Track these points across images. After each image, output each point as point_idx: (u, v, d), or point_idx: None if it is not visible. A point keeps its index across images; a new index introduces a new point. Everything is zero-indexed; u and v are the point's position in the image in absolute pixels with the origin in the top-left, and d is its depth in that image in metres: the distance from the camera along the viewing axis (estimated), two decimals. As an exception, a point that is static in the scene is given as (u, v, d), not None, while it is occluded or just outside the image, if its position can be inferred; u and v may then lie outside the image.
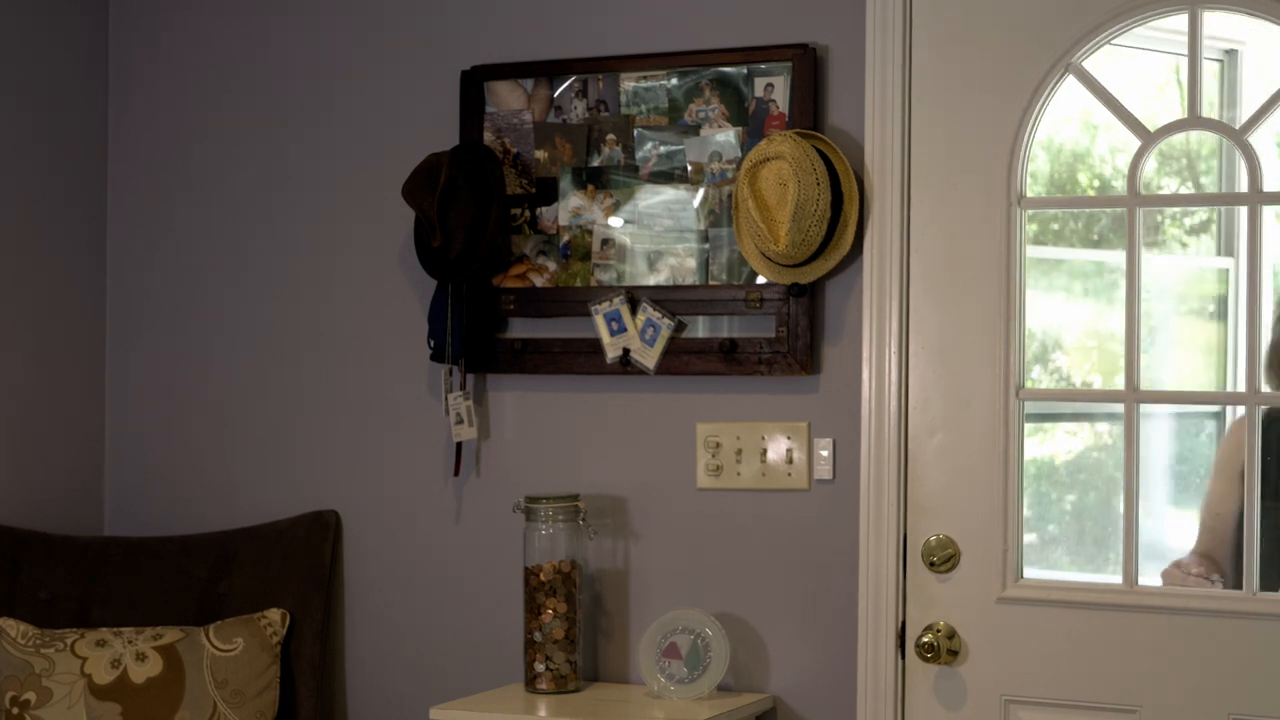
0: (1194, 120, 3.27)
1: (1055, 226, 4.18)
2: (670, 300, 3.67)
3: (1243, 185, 3.26)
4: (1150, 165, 4.32)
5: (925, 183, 3.42)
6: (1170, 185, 4.62)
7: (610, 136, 3.73)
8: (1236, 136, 3.23)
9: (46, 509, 4.06)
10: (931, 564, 3.40)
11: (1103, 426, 4.16)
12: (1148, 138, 3.30)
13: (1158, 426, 4.22)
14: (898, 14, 3.45)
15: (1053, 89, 3.33)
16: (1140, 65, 3.95)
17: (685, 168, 3.67)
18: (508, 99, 3.82)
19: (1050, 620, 3.32)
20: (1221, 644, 3.21)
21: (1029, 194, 3.40)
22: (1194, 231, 4.53)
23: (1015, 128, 3.34)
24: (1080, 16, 3.29)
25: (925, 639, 3.38)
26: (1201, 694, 3.22)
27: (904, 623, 3.45)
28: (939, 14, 3.41)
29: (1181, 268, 4.37)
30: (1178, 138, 4.10)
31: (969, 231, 3.38)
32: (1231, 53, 4.00)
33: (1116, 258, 4.25)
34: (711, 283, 3.66)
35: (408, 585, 3.94)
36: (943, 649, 3.37)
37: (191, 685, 3.69)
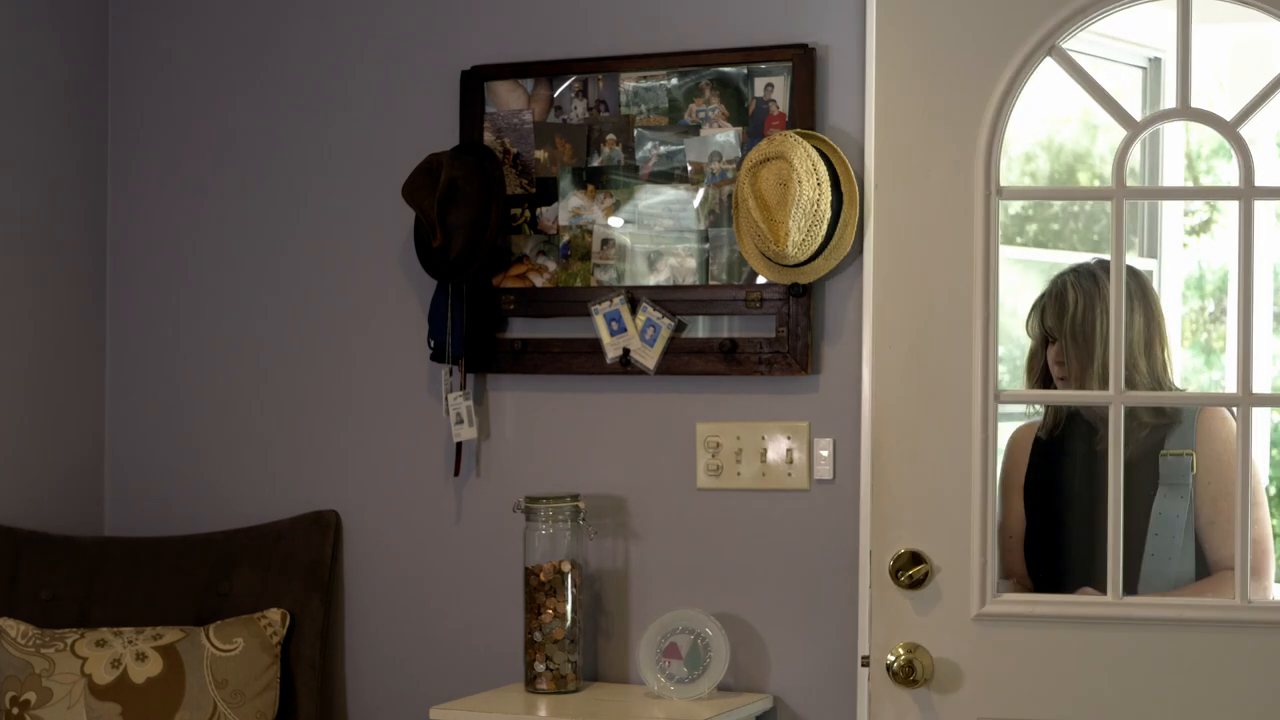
0: (1184, 110, 3.13)
1: (1055, 227, 4.18)
2: (670, 300, 3.67)
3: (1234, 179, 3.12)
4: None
5: (897, 174, 3.21)
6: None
7: (610, 136, 3.73)
8: (1228, 129, 3.10)
9: (46, 509, 4.06)
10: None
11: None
12: (1134, 127, 3.14)
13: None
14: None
15: (1025, 68, 3.12)
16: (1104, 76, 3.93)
17: (685, 168, 3.67)
18: (508, 99, 3.82)
19: (1030, 636, 3.15)
20: (1216, 656, 3.09)
21: (1011, 186, 3.23)
22: (1194, 232, 4.54)
23: (994, 113, 3.13)
24: (1063, 2, 3.11)
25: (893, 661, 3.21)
26: (1195, 710, 3.09)
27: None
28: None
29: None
30: (1178, 137, 4.08)
31: (941, 223, 3.17)
32: (1155, 60, 3.96)
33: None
34: (711, 283, 3.66)
35: (408, 585, 3.94)
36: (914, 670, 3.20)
37: (191, 685, 3.69)
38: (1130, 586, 3.20)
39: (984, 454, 3.11)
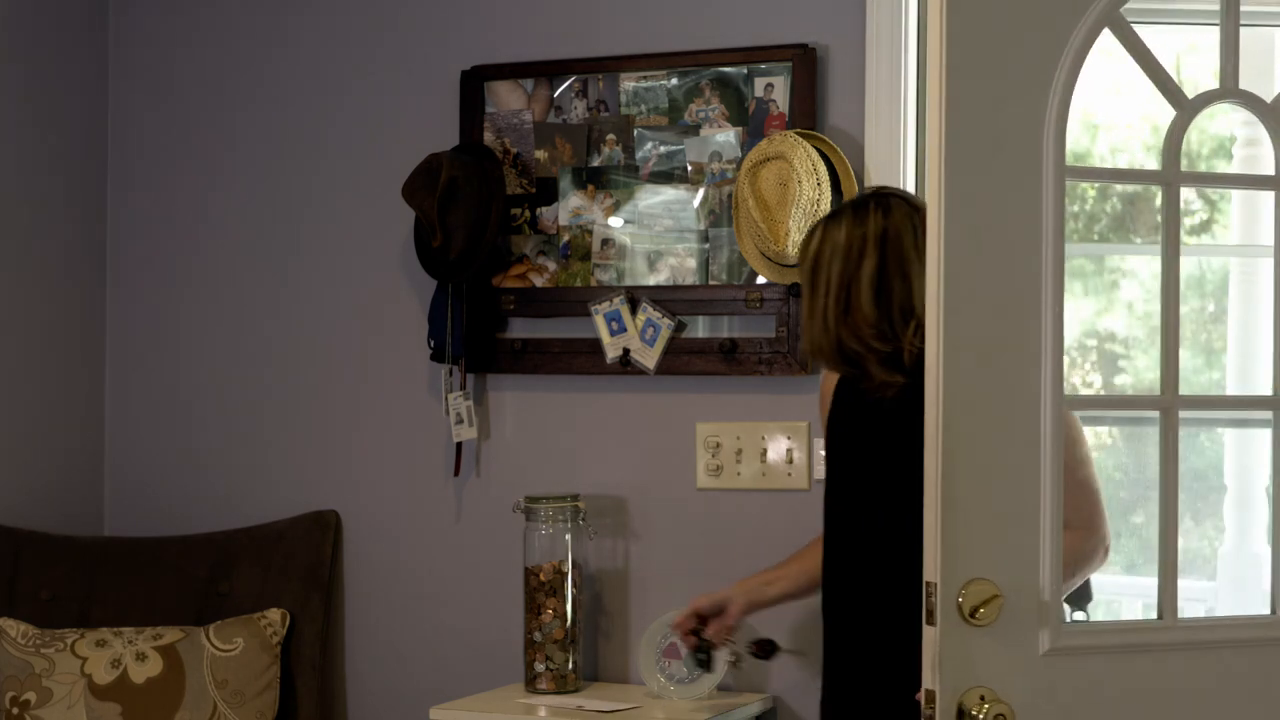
0: (1228, 91, 2.81)
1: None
2: (670, 300, 3.67)
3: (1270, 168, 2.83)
4: (1151, 165, 4.32)
5: (966, 159, 2.72)
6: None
7: (610, 136, 3.73)
8: (1271, 113, 2.81)
9: (46, 509, 4.06)
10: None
11: (1101, 427, 4.11)
12: (1186, 107, 2.77)
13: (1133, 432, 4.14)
14: (898, 14, 3.44)
15: (1090, 33, 2.73)
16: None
17: (685, 168, 3.67)
18: (508, 99, 3.82)
19: (1101, 671, 2.73)
20: None
21: (1076, 166, 2.79)
22: (1194, 232, 4.53)
23: (1063, 83, 2.72)
24: None
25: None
26: None
27: None
28: None
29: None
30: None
31: (1009, 211, 2.72)
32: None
33: (1115, 257, 4.23)
34: (711, 283, 3.66)
35: (408, 585, 3.94)
36: None
37: (191, 685, 3.69)
38: (916, 568, 2.76)
39: (1054, 466, 2.68)
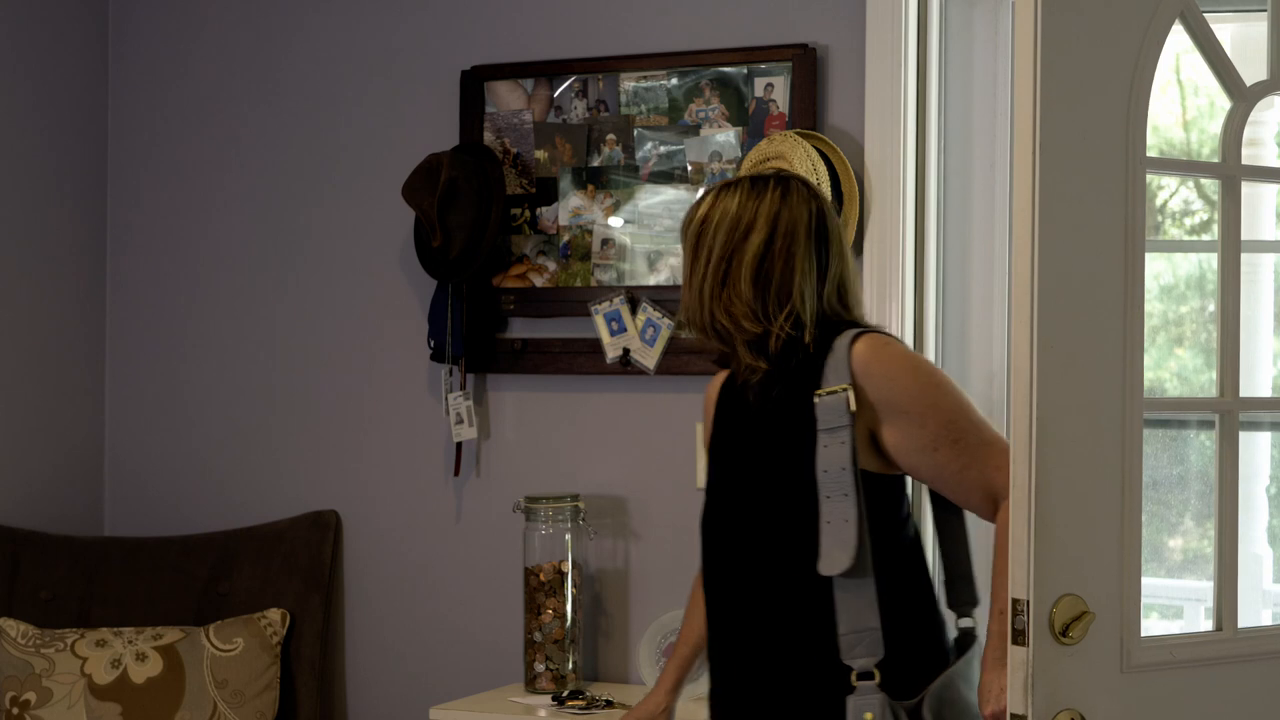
0: (1276, 82, 2.70)
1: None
2: (670, 300, 3.67)
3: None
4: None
5: (1055, 149, 2.54)
6: (1169, 184, 4.62)
7: (610, 136, 3.73)
8: None
9: (46, 509, 4.06)
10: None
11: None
12: (1245, 97, 2.68)
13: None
14: (898, 14, 3.44)
15: (1162, 30, 2.61)
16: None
17: (685, 168, 3.67)
18: (508, 99, 3.83)
19: (1178, 684, 2.62)
20: None
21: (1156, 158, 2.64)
22: (1195, 232, 4.53)
23: (1143, 72, 2.60)
24: None
25: None
26: None
27: None
28: None
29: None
30: (1179, 139, 4.05)
31: (1093, 204, 2.57)
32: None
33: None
34: (711, 283, 3.65)
35: (408, 585, 3.94)
36: None
37: (191, 685, 3.69)
38: (802, 565, 2.72)
39: (1133, 471, 2.56)
